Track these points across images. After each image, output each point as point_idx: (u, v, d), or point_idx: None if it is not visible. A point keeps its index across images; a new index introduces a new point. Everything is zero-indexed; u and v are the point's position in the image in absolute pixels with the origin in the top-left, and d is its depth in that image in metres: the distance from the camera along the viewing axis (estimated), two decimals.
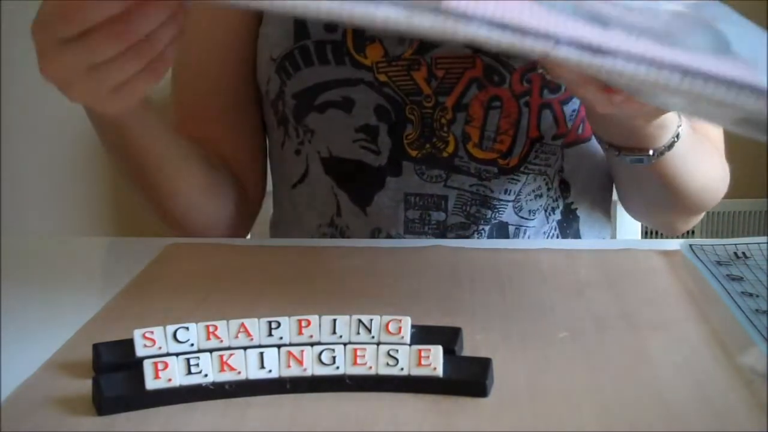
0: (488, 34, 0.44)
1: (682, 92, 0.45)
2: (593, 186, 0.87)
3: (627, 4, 0.51)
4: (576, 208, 0.86)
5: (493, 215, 0.81)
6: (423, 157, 0.80)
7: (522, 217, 0.82)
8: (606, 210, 0.91)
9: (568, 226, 0.86)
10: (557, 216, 0.85)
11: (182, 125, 0.86)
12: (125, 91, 0.56)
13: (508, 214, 0.82)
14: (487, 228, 0.82)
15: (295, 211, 0.88)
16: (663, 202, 0.81)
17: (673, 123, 0.70)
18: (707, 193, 0.81)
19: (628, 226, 1.04)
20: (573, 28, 0.45)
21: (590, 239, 0.89)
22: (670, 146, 0.71)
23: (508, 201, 0.81)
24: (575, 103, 0.79)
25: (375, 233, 0.83)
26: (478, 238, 0.82)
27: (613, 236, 1.03)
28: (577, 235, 0.87)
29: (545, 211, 0.84)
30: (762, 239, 0.67)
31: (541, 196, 0.83)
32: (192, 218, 0.82)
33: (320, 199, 0.84)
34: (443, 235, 0.81)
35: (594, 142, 0.82)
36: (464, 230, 0.81)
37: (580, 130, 0.81)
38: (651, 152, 0.71)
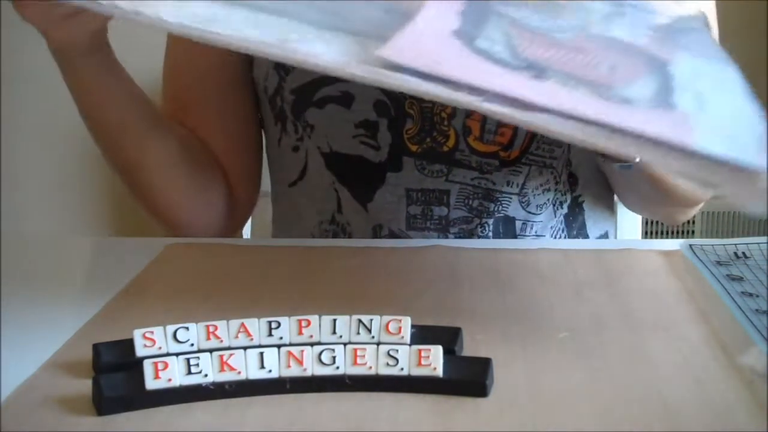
0: (417, 86, 0.44)
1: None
2: (599, 178, 0.87)
3: (586, 25, 0.50)
4: (583, 201, 0.86)
5: (496, 208, 0.81)
6: (423, 151, 0.80)
7: (530, 212, 0.82)
8: (609, 201, 0.91)
9: (574, 220, 0.86)
10: (564, 210, 0.85)
11: (171, 118, 0.86)
12: (77, 19, 0.57)
13: (514, 208, 0.82)
14: (491, 222, 0.82)
15: (294, 210, 0.88)
16: (657, 199, 0.81)
17: None
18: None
19: (628, 226, 1.04)
20: (503, 81, 0.45)
21: (595, 232, 0.89)
22: None
23: (512, 194, 0.81)
24: None
25: (377, 230, 0.82)
26: (482, 232, 0.81)
27: (615, 229, 1.03)
28: (582, 228, 0.87)
29: (553, 205, 0.84)
30: (762, 239, 0.67)
31: (549, 190, 0.82)
32: (175, 213, 0.82)
33: (320, 196, 0.84)
34: (446, 230, 0.81)
35: None
36: (467, 224, 0.81)
37: None
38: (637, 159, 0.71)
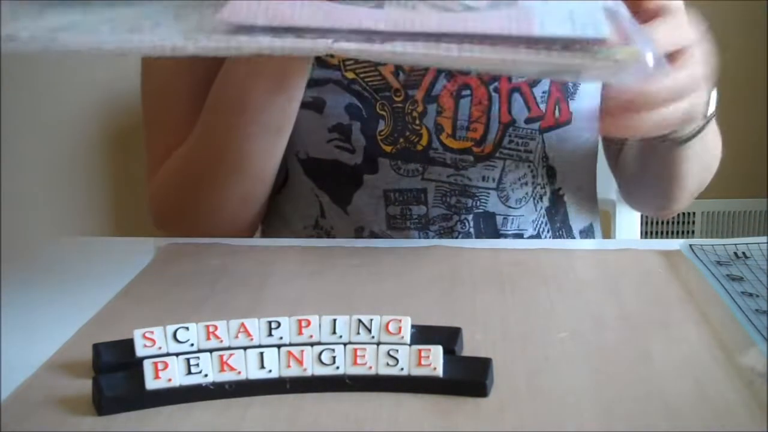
0: (270, 43, 0.45)
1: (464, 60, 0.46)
2: (578, 170, 0.87)
3: None
4: (563, 194, 0.86)
5: (474, 204, 0.82)
6: (398, 152, 0.80)
7: (509, 206, 0.83)
8: (592, 194, 0.91)
9: (556, 213, 0.86)
10: (545, 203, 0.85)
11: (155, 141, 0.85)
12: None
13: (493, 203, 0.82)
14: (470, 218, 0.82)
15: (281, 218, 0.88)
16: (667, 180, 0.80)
17: (704, 110, 0.69)
18: (709, 172, 0.82)
19: (628, 226, 1.04)
20: (346, 16, 0.45)
21: (579, 225, 0.89)
22: (703, 127, 0.71)
23: (489, 189, 0.81)
24: (545, 84, 0.80)
25: (358, 232, 0.83)
26: (462, 228, 0.82)
27: (608, 233, 1.03)
28: (565, 221, 0.87)
29: (533, 199, 0.84)
30: (762, 239, 0.67)
31: (527, 183, 0.83)
32: (254, 221, 0.82)
33: (303, 203, 0.85)
34: (426, 229, 0.81)
35: (575, 126, 0.82)
36: (447, 221, 0.82)
37: (556, 114, 0.81)
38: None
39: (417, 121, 0.79)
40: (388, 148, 0.80)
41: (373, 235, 0.82)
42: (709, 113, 0.70)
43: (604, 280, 0.63)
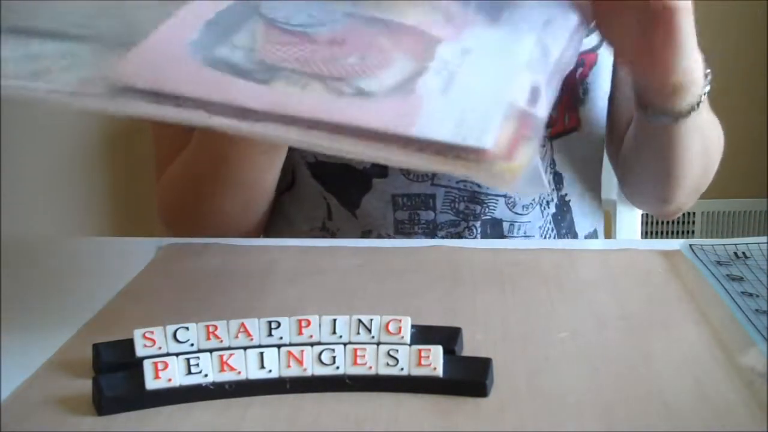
0: (147, 109, 0.43)
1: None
2: (584, 175, 0.87)
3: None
4: (569, 200, 0.86)
5: (483, 210, 0.81)
6: None
7: (516, 213, 0.82)
8: (597, 199, 0.91)
9: (562, 219, 0.86)
10: (552, 209, 0.85)
11: (163, 144, 0.85)
12: None
13: (500, 210, 0.82)
14: (478, 224, 0.82)
15: (285, 219, 0.88)
16: (673, 171, 0.79)
17: (699, 84, 0.69)
18: (710, 163, 0.81)
19: (628, 226, 1.04)
20: (227, 90, 0.43)
21: (584, 230, 0.89)
22: (696, 105, 0.70)
23: (498, 195, 0.81)
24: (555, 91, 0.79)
25: (365, 235, 0.83)
26: (470, 235, 0.82)
27: (609, 233, 1.03)
28: (571, 226, 0.87)
29: (540, 205, 0.84)
30: (762, 239, 0.67)
31: None
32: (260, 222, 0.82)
33: (310, 205, 0.84)
34: (434, 234, 0.81)
35: (583, 132, 0.82)
36: (455, 227, 0.81)
37: (566, 120, 0.81)
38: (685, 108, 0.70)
39: None
40: None
41: (380, 239, 0.82)
42: (703, 93, 0.70)
43: (604, 280, 0.63)
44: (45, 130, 1.80)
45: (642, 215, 1.07)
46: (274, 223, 0.90)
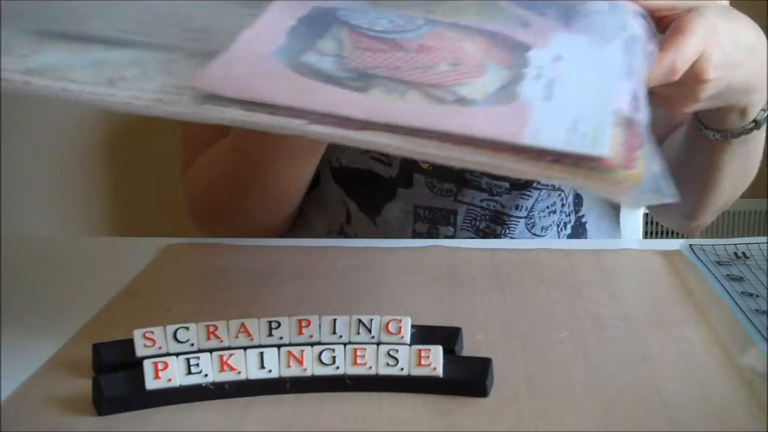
0: (239, 116, 0.43)
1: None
2: (603, 198, 0.86)
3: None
4: (586, 222, 0.86)
5: (503, 231, 0.80)
6: (434, 169, 0.79)
7: (534, 234, 0.82)
8: (615, 221, 0.90)
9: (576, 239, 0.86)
10: (567, 231, 0.84)
11: (190, 141, 0.85)
12: None
13: (520, 231, 0.81)
14: (507, 240, 0.81)
15: (304, 217, 0.88)
16: (707, 189, 0.79)
17: (760, 105, 0.68)
18: (743, 183, 0.80)
19: (629, 226, 1.04)
20: (324, 98, 0.43)
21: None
22: (754, 127, 0.70)
23: (520, 217, 0.80)
24: None
25: None
26: None
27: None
28: None
29: (557, 226, 0.83)
30: (762, 239, 0.67)
31: (554, 212, 0.82)
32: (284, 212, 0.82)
33: (330, 207, 0.84)
34: None
35: None
36: None
37: None
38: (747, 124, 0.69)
39: None
40: (424, 165, 0.79)
41: None
42: (761, 117, 0.69)
43: (604, 280, 0.63)
44: (45, 130, 1.80)
45: (643, 215, 1.07)
46: (292, 225, 0.90)
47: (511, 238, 0.81)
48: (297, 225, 0.89)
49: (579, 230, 0.85)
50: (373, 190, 0.81)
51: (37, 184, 1.86)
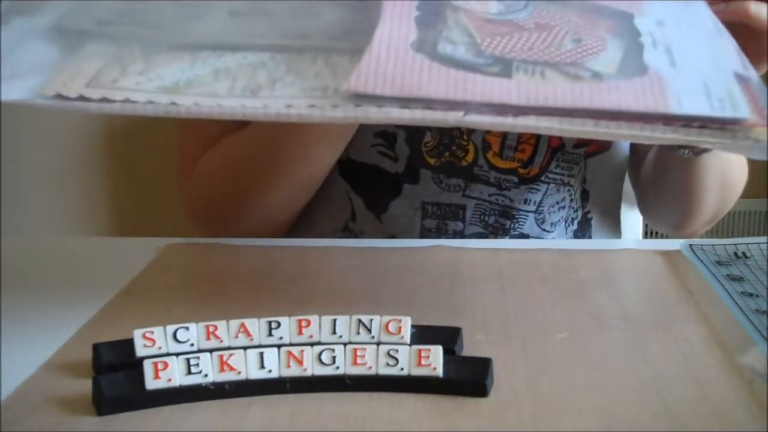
0: (399, 114, 0.43)
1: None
2: (607, 193, 0.87)
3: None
4: (591, 217, 0.86)
5: (512, 225, 0.80)
6: (441, 165, 0.79)
7: (544, 230, 0.82)
8: (616, 217, 0.91)
9: (582, 235, 0.86)
10: (574, 226, 0.84)
11: (189, 141, 0.84)
12: None
13: (529, 226, 0.81)
14: (506, 239, 0.81)
15: (306, 216, 0.87)
16: (689, 203, 0.80)
17: None
18: (731, 193, 0.81)
19: (629, 226, 1.04)
20: (476, 88, 0.43)
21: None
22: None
23: (529, 211, 0.80)
24: None
25: None
26: None
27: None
28: None
29: (565, 222, 0.83)
30: (762, 239, 0.67)
31: (563, 207, 0.82)
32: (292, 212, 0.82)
33: (335, 205, 0.83)
34: None
35: (614, 150, 0.81)
36: None
37: None
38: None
39: (465, 136, 0.78)
40: (432, 161, 0.79)
41: None
42: None
43: (604, 280, 0.63)
44: (45, 130, 1.80)
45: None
46: (295, 222, 0.90)
47: (521, 232, 0.81)
48: (299, 223, 0.89)
49: (584, 225, 0.86)
50: (379, 185, 0.80)
51: (37, 185, 1.86)
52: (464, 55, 0.45)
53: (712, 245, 0.68)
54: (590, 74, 0.45)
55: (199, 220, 0.83)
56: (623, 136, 0.44)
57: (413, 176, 0.79)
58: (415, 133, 0.78)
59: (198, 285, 0.64)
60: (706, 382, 0.48)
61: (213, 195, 0.81)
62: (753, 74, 0.46)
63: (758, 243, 0.67)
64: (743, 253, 0.66)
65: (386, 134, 0.78)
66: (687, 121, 0.43)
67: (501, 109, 0.43)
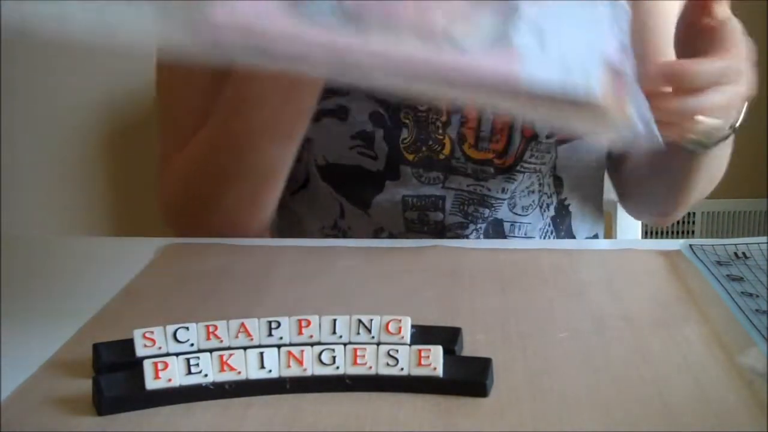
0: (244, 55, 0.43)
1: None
2: (584, 181, 0.87)
3: None
4: (569, 204, 0.86)
5: (490, 213, 0.82)
6: (420, 160, 0.80)
7: (516, 214, 0.83)
8: (598, 205, 0.91)
9: (561, 222, 0.86)
10: (551, 212, 0.85)
11: (168, 139, 0.84)
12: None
13: (503, 212, 0.82)
14: (483, 226, 0.82)
15: (295, 216, 0.88)
16: (683, 191, 0.80)
17: (737, 116, 0.69)
18: (711, 185, 0.82)
19: (628, 227, 1.04)
20: (326, 43, 0.44)
21: (583, 235, 0.89)
22: (724, 138, 0.70)
23: (503, 198, 0.82)
24: None
25: (378, 232, 0.83)
26: (475, 236, 0.82)
27: (609, 233, 1.03)
28: (569, 231, 0.87)
29: (540, 207, 0.84)
30: (762, 239, 0.67)
31: (533, 192, 0.83)
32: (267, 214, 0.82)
33: (322, 204, 0.84)
34: (442, 235, 0.82)
35: (587, 140, 0.82)
36: (462, 229, 0.82)
37: None
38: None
39: (440, 131, 0.79)
40: (410, 156, 0.80)
41: (392, 237, 0.82)
42: (736, 125, 0.70)
43: (604, 280, 0.63)
44: (45, 130, 1.80)
45: None
46: (284, 223, 0.90)
47: (496, 218, 0.82)
48: (289, 225, 0.89)
49: (563, 212, 0.86)
50: (361, 184, 0.82)
51: (37, 184, 1.87)
52: (324, 10, 0.45)
53: (712, 245, 0.68)
54: (450, 45, 0.45)
55: (169, 219, 0.83)
56: (468, 101, 0.45)
57: (394, 173, 0.81)
58: (392, 130, 0.79)
59: (198, 285, 0.64)
60: (706, 382, 0.48)
61: (180, 195, 0.81)
62: (629, 68, 0.48)
63: (758, 243, 0.67)
64: (743, 253, 0.66)
65: (364, 134, 0.79)
66: (534, 95, 0.44)
67: (347, 66, 0.43)
